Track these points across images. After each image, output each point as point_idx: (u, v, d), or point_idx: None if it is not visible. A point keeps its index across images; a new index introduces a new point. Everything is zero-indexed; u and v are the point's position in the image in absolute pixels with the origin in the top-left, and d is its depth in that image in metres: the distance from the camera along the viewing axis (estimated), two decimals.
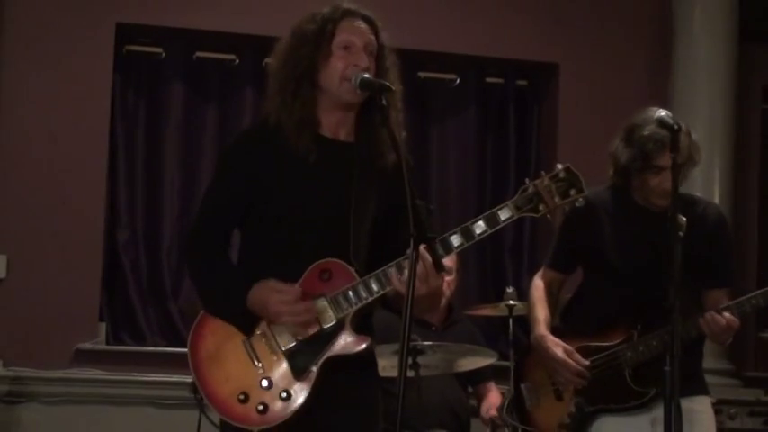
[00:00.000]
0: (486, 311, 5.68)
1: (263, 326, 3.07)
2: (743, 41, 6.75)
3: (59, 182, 6.20)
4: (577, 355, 3.84)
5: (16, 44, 6.20)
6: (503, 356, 5.37)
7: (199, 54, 6.54)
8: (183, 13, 6.37)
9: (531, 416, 4.02)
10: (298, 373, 3.03)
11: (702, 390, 3.93)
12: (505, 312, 5.42)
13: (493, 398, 5.34)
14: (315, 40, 3.10)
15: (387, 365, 4.09)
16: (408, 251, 2.80)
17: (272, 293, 3.01)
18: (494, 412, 5.12)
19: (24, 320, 6.09)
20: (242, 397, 3.04)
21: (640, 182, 3.81)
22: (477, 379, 5.39)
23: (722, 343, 3.90)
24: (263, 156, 3.11)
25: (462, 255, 3.17)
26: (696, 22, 6.68)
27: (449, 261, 4.58)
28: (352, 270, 3.05)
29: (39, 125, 6.21)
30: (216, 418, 3.14)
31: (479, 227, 3.03)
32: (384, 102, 2.98)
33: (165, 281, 6.42)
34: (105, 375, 6.16)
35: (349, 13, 3.13)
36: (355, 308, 3.04)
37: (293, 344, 3.05)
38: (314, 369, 3.03)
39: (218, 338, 3.08)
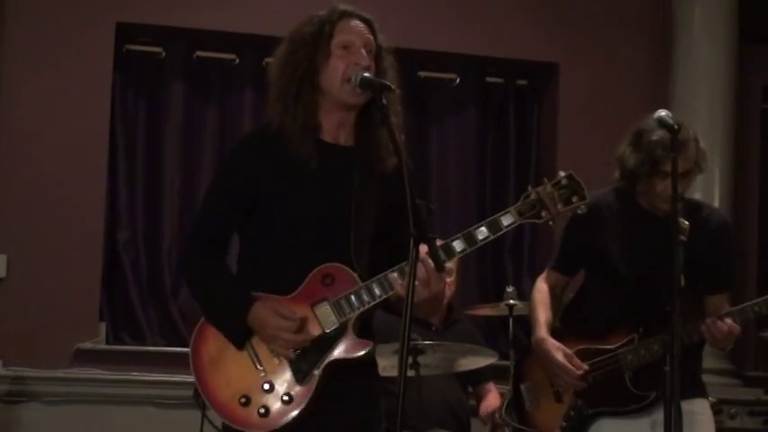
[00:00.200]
0: (487, 311, 5.68)
1: None
2: (743, 41, 6.75)
3: (59, 182, 6.20)
4: (577, 360, 3.83)
5: (16, 44, 6.20)
6: (503, 356, 5.37)
7: (199, 54, 6.54)
8: (184, 13, 6.37)
9: (530, 417, 4.02)
10: (300, 376, 3.04)
11: (701, 392, 3.93)
12: (505, 312, 5.42)
13: (492, 398, 5.34)
14: (313, 43, 3.09)
15: (387, 365, 4.09)
16: (410, 254, 2.81)
17: (273, 317, 3.01)
18: (494, 414, 5.12)
19: (24, 320, 6.09)
20: (243, 400, 3.04)
21: (647, 186, 3.80)
22: (477, 379, 5.38)
23: (723, 349, 3.90)
24: (264, 161, 3.10)
25: (462, 255, 3.16)
26: (696, 22, 6.68)
27: (449, 262, 4.58)
28: (355, 275, 3.05)
29: (39, 125, 6.21)
30: (217, 419, 3.14)
31: (482, 232, 3.06)
32: (384, 101, 2.99)
33: (165, 281, 6.42)
34: (105, 375, 6.16)
35: (346, 14, 3.13)
36: (358, 312, 3.04)
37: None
38: (316, 373, 3.03)
39: (221, 342, 3.08)
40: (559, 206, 3.08)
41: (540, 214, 3.08)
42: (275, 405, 3.03)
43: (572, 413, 3.87)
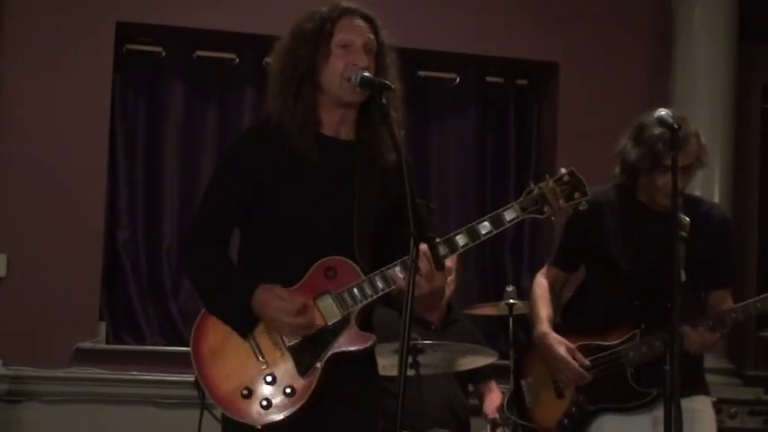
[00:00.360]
0: (487, 310, 5.68)
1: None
2: (743, 41, 6.76)
3: (59, 182, 6.20)
4: (579, 355, 3.83)
5: (16, 44, 6.20)
6: (503, 355, 5.37)
7: (199, 53, 6.54)
8: (184, 12, 6.37)
9: (530, 412, 4.02)
10: (302, 369, 3.04)
11: (703, 390, 3.93)
12: (505, 311, 5.42)
13: (495, 397, 5.34)
14: (314, 40, 3.10)
15: (387, 364, 4.08)
16: (410, 254, 2.81)
17: (274, 299, 3.01)
18: (495, 414, 5.12)
19: (24, 319, 6.09)
20: (245, 392, 3.04)
21: (647, 181, 3.79)
22: (477, 378, 5.38)
23: (699, 353, 3.88)
24: (265, 155, 3.11)
25: (462, 253, 3.17)
26: (696, 22, 6.68)
27: (448, 261, 4.57)
28: (358, 268, 3.06)
29: (39, 125, 6.21)
30: (218, 412, 3.14)
31: (485, 227, 3.07)
32: (384, 100, 2.99)
33: (165, 280, 6.42)
34: (105, 374, 6.16)
35: (348, 12, 3.13)
36: (360, 305, 3.05)
37: (298, 340, 3.06)
38: (318, 366, 3.04)
39: (222, 334, 3.08)
40: (561, 202, 3.10)
41: (543, 209, 3.10)
42: (277, 397, 3.03)
43: (573, 409, 3.87)
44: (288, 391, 3.03)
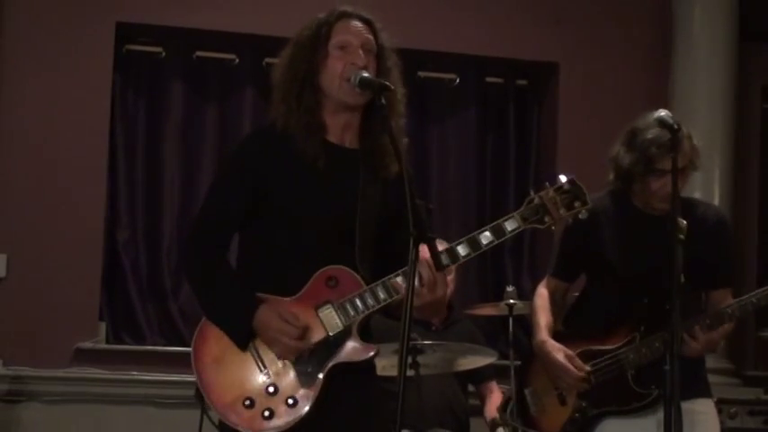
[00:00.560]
0: (487, 311, 5.68)
1: None
2: (743, 41, 6.75)
3: (59, 182, 6.20)
4: (578, 360, 3.83)
5: (16, 44, 6.20)
6: (503, 356, 5.37)
7: (199, 54, 6.54)
8: (184, 13, 6.37)
9: (535, 421, 4.01)
10: (304, 379, 3.03)
11: (705, 392, 3.92)
12: (506, 311, 5.41)
13: (497, 398, 5.34)
14: (311, 45, 3.10)
15: (386, 365, 4.09)
16: (410, 254, 2.81)
17: (276, 319, 3.01)
18: (495, 414, 5.13)
19: (24, 320, 6.09)
20: (247, 402, 3.03)
21: (642, 186, 3.79)
22: (478, 378, 5.39)
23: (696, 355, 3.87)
24: (270, 158, 3.10)
25: (467, 259, 3.18)
26: (696, 22, 6.68)
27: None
28: (359, 277, 3.06)
29: (39, 125, 6.21)
30: (215, 418, 3.13)
31: (486, 237, 3.09)
32: (384, 101, 2.99)
33: (165, 280, 6.42)
34: (105, 375, 6.16)
35: (345, 15, 3.14)
36: (362, 315, 3.05)
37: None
38: (320, 376, 3.03)
39: (224, 343, 3.07)
40: (562, 211, 3.11)
41: (544, 219, 3.11)
42: (280, 408, 3.02)
43: (576, 415, 3.87)
44: (290, 402, 3.03)
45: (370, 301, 3.04)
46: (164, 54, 6.49)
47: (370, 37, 3.12)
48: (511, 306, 5.38)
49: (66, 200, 6.20)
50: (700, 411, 3.82)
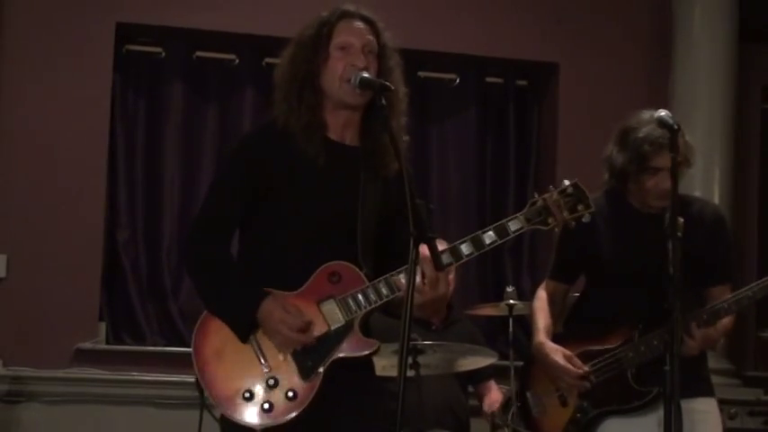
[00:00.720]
0: (487, 311, 5.68)
1: None
2: (743, 41, 6.75)
3: (59, 182, 6.20)
4: (577, 361, 3.83)
5: (16, 44, 6.20)
6: (503, 356, 5.37)
7: (199, 54, 6.54)
8: (183, 13, 6.37)
9: (537, 423, 4.01)
10: (305, 373, 3.04)
11: (707, 391, 3.92)
12: (506, 312, 5.41)
13: (494, 395, 5.35)
14: (313, 45, 3.11)
15: (386, 365, 4.09)
16: (410, 254, 2.81)
17: (280, 311, 3.02)
18: (496, 407, 5.13)
19: (24, 320, 6.09)
20: (247, 395, 3.04)
21: (637, 184, 3.80)
22: (477, 378, 5.39)
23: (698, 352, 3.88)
24: (272, 156, 3.11)
25: (470, 258, 3.19)
26: (696, 22, 6.68)
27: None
28: (362, 273, 3.06)
29: (39, 125, 6.21)
30: (217, 413, 3.13)
31: (489, 236, 3.12)
32: (383, 101, 2.99)
33: (165, 281, 6.42)
34: (105, 375, 6.16)
35: (346, 15, 3.14)
36: (364, 311, 3.06)
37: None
38: (321, 370, 3.04)
39: (224, 336, 3.08)
40: (565, 213, 3.15)
41: (547, 221, 3.14)
42: (279, 401, 3.03)
43: (578, 415, 3.87)
44: (290, 394, 3.03)
45: (373, 297, 3.06)
46: (164, 54, 6.49)
47: (372, 37, 3.13)
48: (511, 306, 5.38)
49: (66, 200, 6.20)
50: (701, 410, 3.81)
